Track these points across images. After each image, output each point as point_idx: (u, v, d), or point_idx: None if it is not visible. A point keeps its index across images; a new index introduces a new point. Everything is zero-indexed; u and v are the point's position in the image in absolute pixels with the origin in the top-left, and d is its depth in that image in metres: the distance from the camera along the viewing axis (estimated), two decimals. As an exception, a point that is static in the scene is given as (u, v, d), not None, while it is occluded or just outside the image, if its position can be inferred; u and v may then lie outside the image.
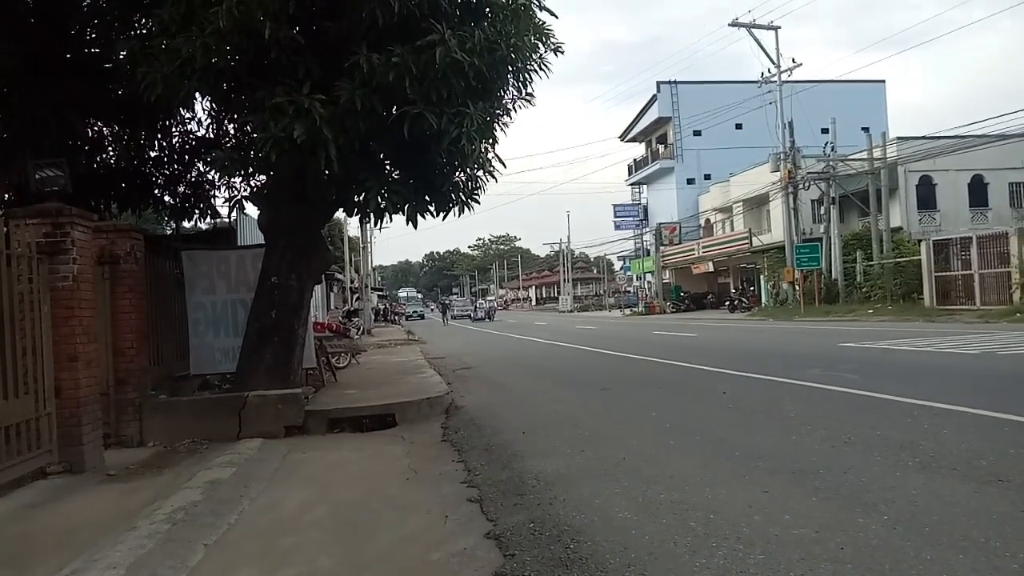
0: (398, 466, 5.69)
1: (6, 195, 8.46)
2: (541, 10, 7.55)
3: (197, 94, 7.33)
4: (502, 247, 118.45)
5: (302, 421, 7.12)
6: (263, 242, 8.51)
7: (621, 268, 66.31)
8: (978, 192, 31.97)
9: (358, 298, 36.69)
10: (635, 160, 57.90)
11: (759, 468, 4.80)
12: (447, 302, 62.81)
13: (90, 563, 3.32)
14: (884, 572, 2.97)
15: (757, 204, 37.32)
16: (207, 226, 11.50)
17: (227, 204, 9.76)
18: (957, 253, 22.83)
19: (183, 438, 6.71)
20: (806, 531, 3.51)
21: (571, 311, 64.04)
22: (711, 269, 44.10)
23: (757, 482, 4.46)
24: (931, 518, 3.60)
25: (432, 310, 70.97)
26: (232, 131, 8.83)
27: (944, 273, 23.15)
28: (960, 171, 30.58)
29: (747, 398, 7.97)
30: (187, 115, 9.26)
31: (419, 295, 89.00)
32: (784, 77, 30.89)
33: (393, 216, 7.66)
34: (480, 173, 7.90)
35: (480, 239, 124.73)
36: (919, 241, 25.44)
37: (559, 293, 74.70)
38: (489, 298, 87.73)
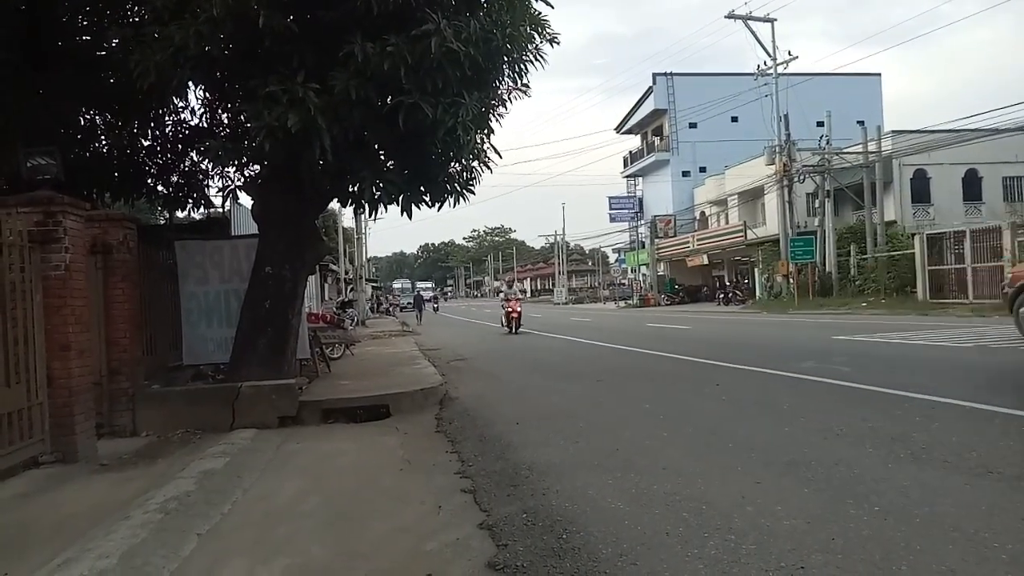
0: (392, 457, 5.70)
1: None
2: (537, 0, 7.53)
3: (190, 83, 7.31)
4: (497, 239, 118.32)
5: (296, 412, 7.11)
6: (257, 232, 8.48)
7: (616, 260, 66.28)
8: (972, 186, 32.10)
9: (352, 289, 36.67)
10: (631, 152, 57.83)
11: (751, 459, 4.82)
12: (426, 294, 47.95)
13: (83, 552, 3.31)
14: (875, 563, 2.99)
15: (752, 197, 37.35)
16: (201, 216, 11.46)
17: (221, 194, 9.72)
18: (950, 247, 22.92)
19: (176, 428, 6.70)
20: (798, 522, 3.53)
21: (566, 303, 63.98)
22: (706, 262, 44.14)
23: (749, 473, 4.48)
24: (922, 509, 3.62)
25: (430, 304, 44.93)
26: (226, 120, 8.78)
27: (937, 267, 23.24)
28: (954, 165, 30.70)
29: (740, 390, 7.99)
30: (180, 104, 9.20)
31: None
32: (780, 70, 30.87)
33: (387, 207, 7.64)
34: (475, 164, 7.88)
35: (475, 231, 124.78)
36: (913, 235, 25.51)
37: (554, 285, 74.54)
38: None
